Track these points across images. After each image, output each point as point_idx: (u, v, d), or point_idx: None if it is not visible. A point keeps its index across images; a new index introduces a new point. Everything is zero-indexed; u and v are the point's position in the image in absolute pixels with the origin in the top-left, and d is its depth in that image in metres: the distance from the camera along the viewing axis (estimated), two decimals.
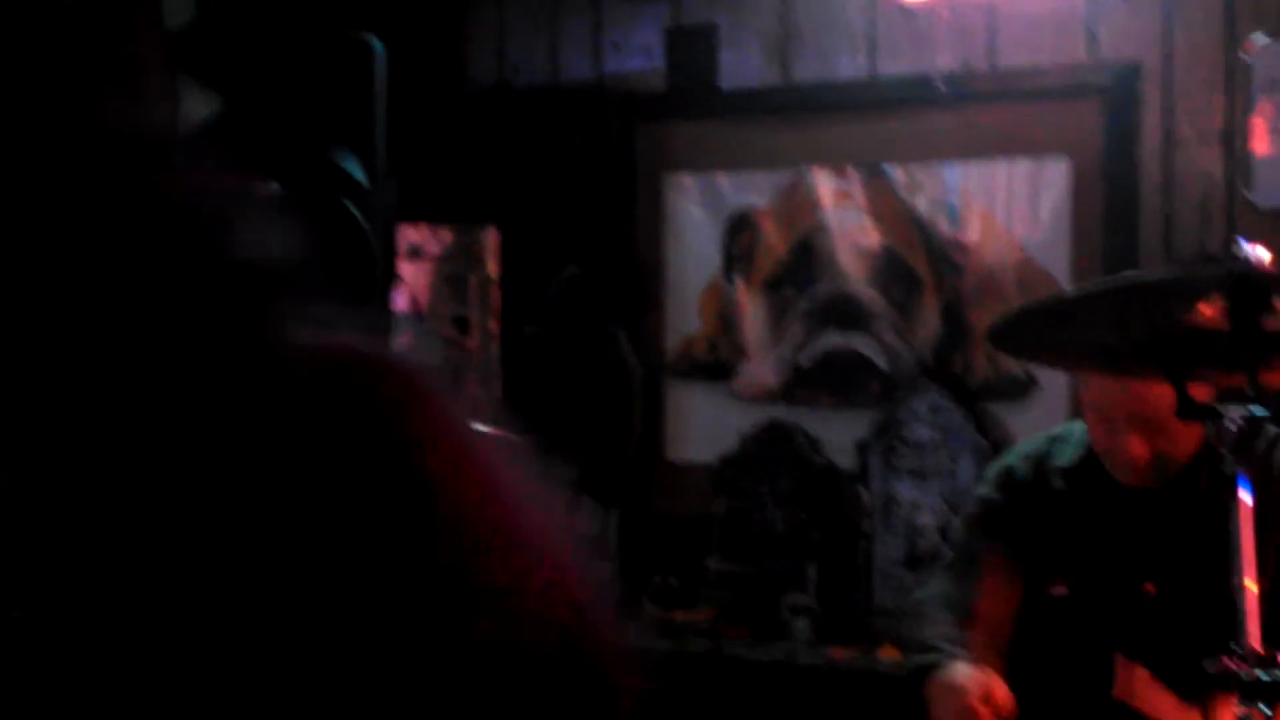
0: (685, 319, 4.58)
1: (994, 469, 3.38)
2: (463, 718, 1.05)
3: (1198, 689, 2.84)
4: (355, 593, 1.05)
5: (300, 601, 1.04)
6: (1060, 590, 3.16)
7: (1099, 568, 3.13)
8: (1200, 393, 2.52)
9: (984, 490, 3.36)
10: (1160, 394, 2.85)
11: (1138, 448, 3.03)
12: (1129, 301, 2.72)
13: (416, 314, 4.57)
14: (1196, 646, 2.46)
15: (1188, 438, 3.00)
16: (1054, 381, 4.08)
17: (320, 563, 1.05)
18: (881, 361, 4.27)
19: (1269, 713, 2.30)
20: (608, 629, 1.11)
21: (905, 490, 4.22)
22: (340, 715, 1.04)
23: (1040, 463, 3.29)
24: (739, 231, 4.40)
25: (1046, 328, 2.93)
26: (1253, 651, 2.32)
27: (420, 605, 1.05)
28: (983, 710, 2.93)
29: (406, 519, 1.07)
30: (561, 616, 1.08)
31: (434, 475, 1.08)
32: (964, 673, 3.02)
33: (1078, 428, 3.28)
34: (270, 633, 1.04)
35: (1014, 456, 3.39)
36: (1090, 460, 3.21)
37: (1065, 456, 3.26)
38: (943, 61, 4.21)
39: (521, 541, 1.10)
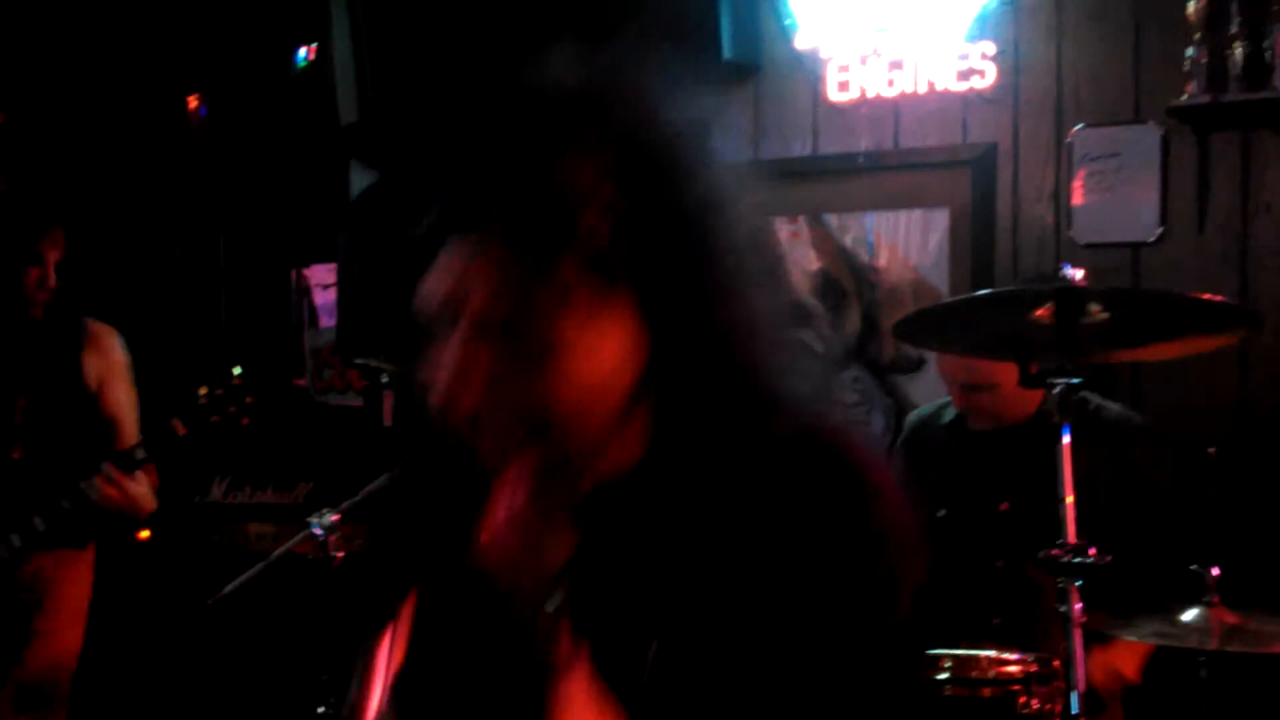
0: None
1: (906, 425, 3.43)
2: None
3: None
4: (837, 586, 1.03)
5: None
6: (942, 513, 3.17)
7: (969, 492, 3.14)
8: (1036, 368, 2.54)
9: (899, 441, 3.41)
10: (981, 367, 2.94)
11: (973, 401, 3.08)
12: (989, 307, 2.74)
13: None
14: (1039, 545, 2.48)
15: (1018, 399, 3.01)
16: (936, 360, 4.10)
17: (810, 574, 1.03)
18: (820, 347, 4.27)
19: (1079, 583, 2.32)
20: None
21: None
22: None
23: (931, 421, 3.32)
24: None
25: (933, 324, 2.95)
26: (1070, 544, 2.34)
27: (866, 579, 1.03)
28: None
29: (868, 547, 1.05)
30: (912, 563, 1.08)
31: (883, 517, 1.06)
32: None
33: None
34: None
35: (914, 416, 3.43)
36: (961, 417, 3.23)
37: (946, 417, 3.29)
38: (862, 143, 4.21)
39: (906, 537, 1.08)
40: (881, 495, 1.07)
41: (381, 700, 0.94)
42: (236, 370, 3.28)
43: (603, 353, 1.04)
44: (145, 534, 3.84)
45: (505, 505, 0.94)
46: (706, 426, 1.07)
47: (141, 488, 3.30)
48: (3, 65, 4.81)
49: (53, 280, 3.38)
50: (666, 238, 1.06)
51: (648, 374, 1.07)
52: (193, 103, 4.80)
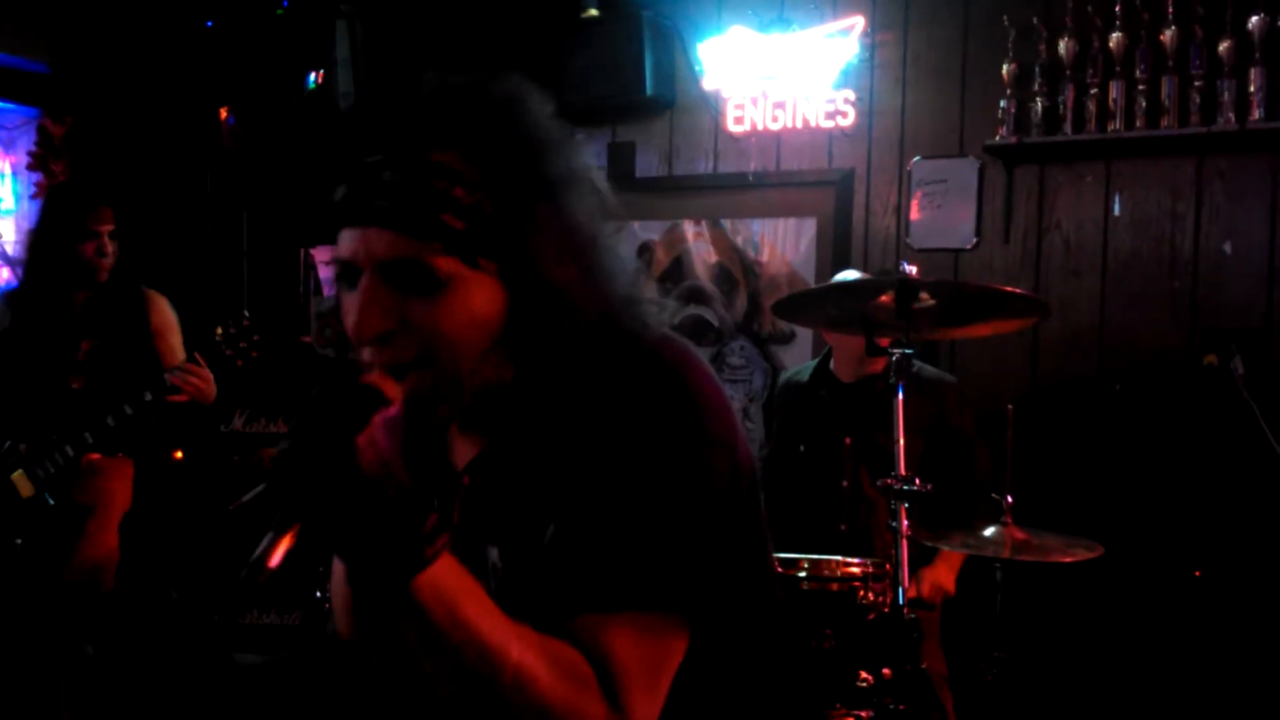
0: None
1: (779, 381, 3.44)
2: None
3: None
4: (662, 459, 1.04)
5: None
6: (801, 447, 3.18)
7: (822, 431, 3.16)
8: (879, 341, 2.55)
9: (775, 393, 3.42)
10: (857, 342, 2.90)
11: (853, 363, 3.08)
12: (846, 293, 2.75)
13: None
14: (872, 471, 2.50)
15: (873, 364, 3.03)
16: (805, 334, 4.12)
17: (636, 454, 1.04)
18: (715, 323, 4.28)
19: (907, 505, 2.34)
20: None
21: (727, 391, 4.24)
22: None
23: (796, 378, 3.33)
24: (643, 253, 4.39)
25: (803, 305, 2.96)
26: (900, 475, 2.37)
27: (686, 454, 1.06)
28: None
29: (693, 434, 1.07)
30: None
31: (701, 409, 1.09)
32: None
33: (807, 366, 3.33)
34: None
35: (785, 375, 3.44)
36: (819, 371, 3.24)
37: (807, 373, 3.29)
38: (752, 165, 4.21)
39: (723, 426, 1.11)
40: (700, 395, 1.09)
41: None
42: (245, 313, 3.23)
43: (474, 301, 1.04)
44: (179, 455, 3.75)
45: (383, 417, 0.92)
46: (557, 354, 1.08)
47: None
48: (74, 79, 4.68)
49: (109, 248, 3.30)
50: (511, 224, 1.05)
51: (510, 318, 1.07)
52: (224, 114, 4.69)
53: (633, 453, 1.03)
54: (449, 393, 1.05)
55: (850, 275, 3.22)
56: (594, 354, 1.08)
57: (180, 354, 3.38)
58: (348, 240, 1.05)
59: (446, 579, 0.93)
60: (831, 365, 3.21)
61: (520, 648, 0.95)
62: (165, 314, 3.45)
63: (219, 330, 3.19)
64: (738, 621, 1.12)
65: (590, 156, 1.15)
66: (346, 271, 1.06)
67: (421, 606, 0.92)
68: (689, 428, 1.05)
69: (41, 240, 3.32)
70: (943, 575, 2.97)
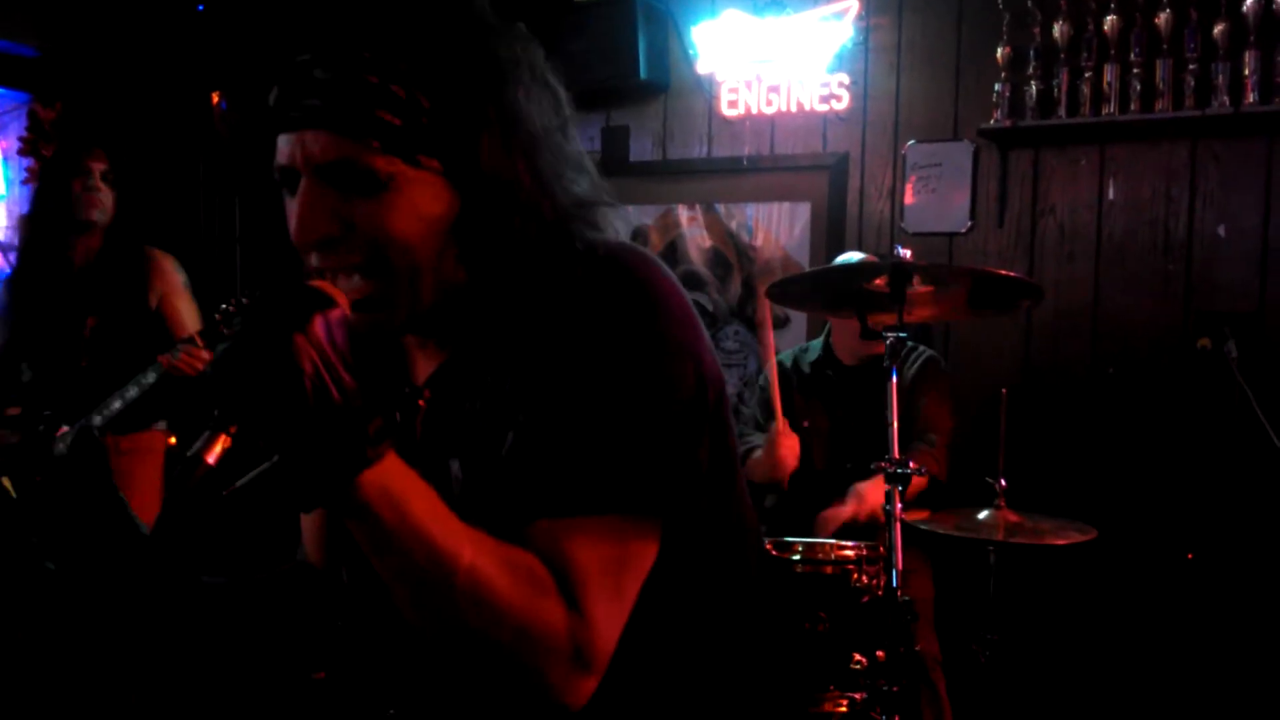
0: None
1: (779, 362, 3.40)
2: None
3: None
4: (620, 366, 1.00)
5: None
6: (806, 424, 3.18)
7: (826, 411, 3.16)
8: (874, 324, 2.55)
9: (763, 377, 3.39)
10: (854, 324, 2.89)
11: (852, 345, 3.08)
12: (840, 276, 2.75)
13: None
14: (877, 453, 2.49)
15: (871, 345, 3.01)
16: (799, 318, 4.11)
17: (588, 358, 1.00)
18: (710, 307, 4.28)
19: (902, 488, 2.34)
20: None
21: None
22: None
23: (796, 360, 3.32)
24: (636, 238, 4.38)
25: (798, 289, 2.95)
26: (893, 457, 2.37)
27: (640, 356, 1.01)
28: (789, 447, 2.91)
29: (648, 337, 1.02)
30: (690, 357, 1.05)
31: (660, 317, 1.03)
32: (775, 433, 2.97)
33: (814, 343, 3.31)
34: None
35: (779, 359, 3.41)
36: (822, 356, 3.23)
37: (809, 357, 3.28)
38: (746, 149, 4.20)
39: (686, 331, 1.05)
40: (661, 299, 1.04)
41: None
42: (244, 295, 3.21)
43: (419, 201, 1.00)
44: (172, 440, 3.75)
45: (324, 317, 0.89)
46: (512, 257, 1.04)
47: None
48: (65, 63, 4.65)
49: (100, 186, 3.25)
50: (451, 119, 1.00)
51: (460, 219, 1.02)
52: (216, 99, 4.67)
53: (591, 356, 0.99)
54: (400, 296, 1.02)
55: (853, 256, 3.21)
56: (550, 259, 1.04)
57: (189, 319, 3.34)
58: (284, 145, 1.01)
59: (395, 480, 0.90)
60: (832, 343, 3.22)
61: (473, 551, 0.91)
62: (171, 276, 3.36)
63: (218, 315, 3.17)
64: (704, 536, 1.08)
65: (543, 55, 1.09)
66: (286, 177, 1.02)
67: (368, 507, 0.89)
68: (649, 331, 1.01)
69: (41, 190, 3.31)
70: (874, 495, 2.87)
